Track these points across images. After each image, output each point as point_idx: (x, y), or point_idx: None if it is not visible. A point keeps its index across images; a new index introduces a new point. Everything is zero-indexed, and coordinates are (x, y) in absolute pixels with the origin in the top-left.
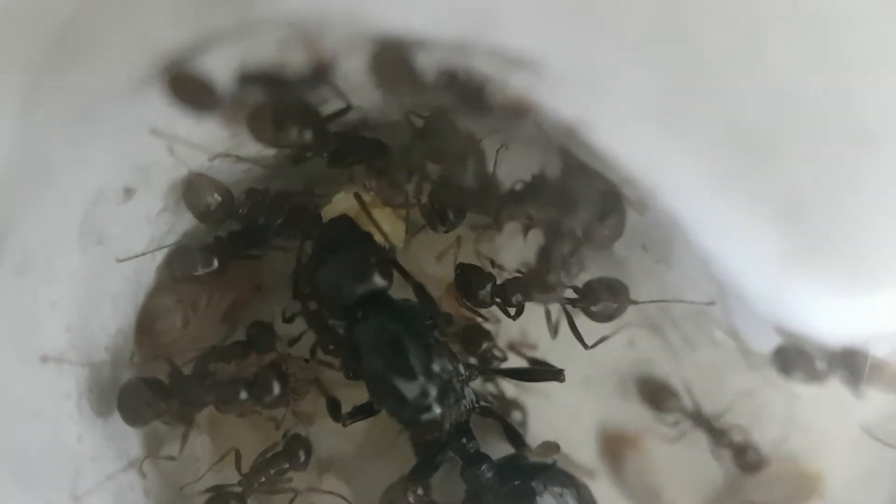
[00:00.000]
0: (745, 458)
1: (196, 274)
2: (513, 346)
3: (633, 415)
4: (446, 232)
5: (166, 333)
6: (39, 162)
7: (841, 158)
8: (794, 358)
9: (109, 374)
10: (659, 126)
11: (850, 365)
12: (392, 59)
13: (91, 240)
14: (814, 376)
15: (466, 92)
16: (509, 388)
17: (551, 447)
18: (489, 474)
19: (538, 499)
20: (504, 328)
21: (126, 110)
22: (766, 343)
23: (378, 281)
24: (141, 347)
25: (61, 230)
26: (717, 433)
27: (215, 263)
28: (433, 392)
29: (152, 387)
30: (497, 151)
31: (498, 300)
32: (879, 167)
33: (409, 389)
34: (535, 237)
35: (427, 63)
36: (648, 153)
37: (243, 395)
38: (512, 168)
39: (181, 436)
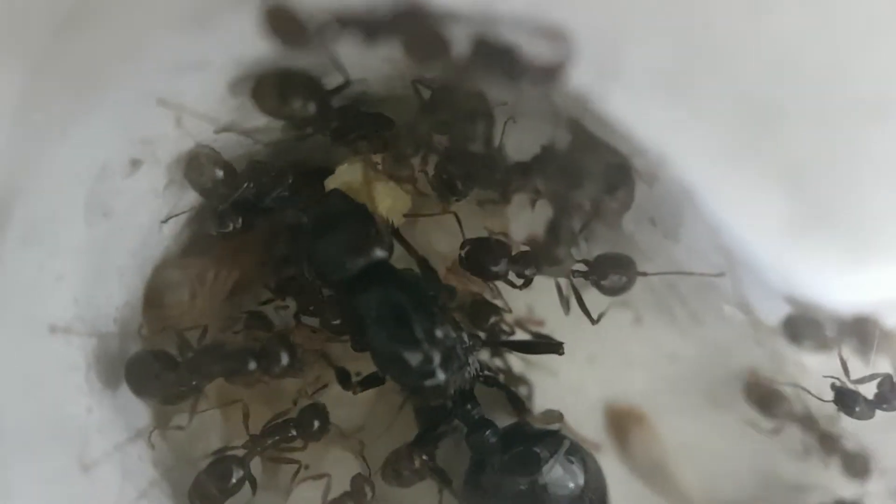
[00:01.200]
0: (855, 466)
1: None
2: (520, 322)
3: (640, 391)
4: (456, 201)
5: (174, 307)
6: (44, 132)
7: (848, 128)
8: (803, 326)
9: (118, 346)
10: (669, 97)
11: (860, 333)
12: (423, 32)
13: (97, 213)
14: (823, 344)
15: (496, 55)
16: (516, 363)
17: (554, 415)
18: (493, 440)
19: (542, 465)
20: (513, 302)
21: (132, 80)
22: (776, 314)
23: (376, 252)
24: (149, 320)
25: (67, 202)
26: (827, 440)
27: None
28: (437, 358)
29: (160, 359)
30: (504, 124)
31: (511, 273)
32: (886, 136)
33: (413, 356)
34: (544, 210)
35: (456, 33)
36: (659, 124)
37: (252, 365)
38: (520, 141)
39: (190, 407)
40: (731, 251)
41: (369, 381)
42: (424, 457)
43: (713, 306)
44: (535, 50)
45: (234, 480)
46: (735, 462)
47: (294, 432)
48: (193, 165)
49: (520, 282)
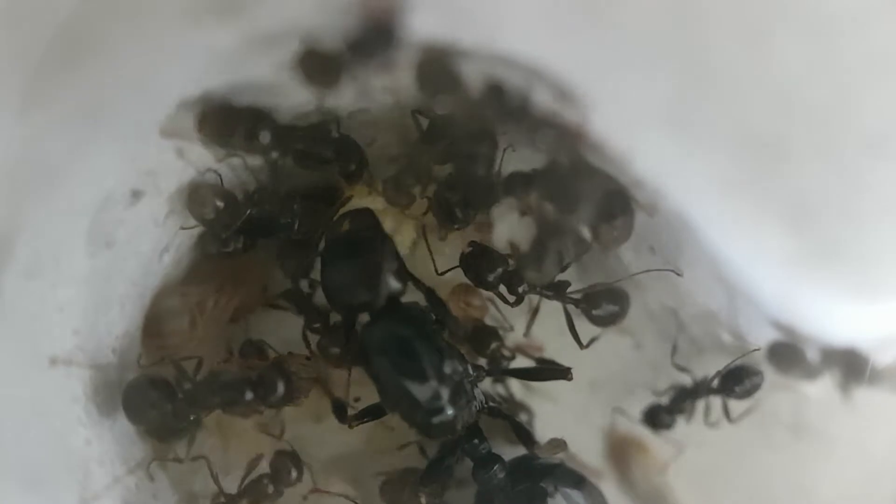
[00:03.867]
0: None
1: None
2: (520, 348)
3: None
4: (458, 229)
5: (173, 335)
6: (46, 164)
7: (851, 163)
8: (788, 354)
9: (117, 377)
10: (669, 130)
11: (846, 365)
12: (436, 66)
13: (99, 243)
14: (809, 373)
15: (510, 104)
16: (517, 390)
17: (559, 444)
18: (501, 475)
19: (549, 500)
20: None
21: (134, 111)
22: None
23: (394, 285)
24: (148, 349)
25: (69, 234)
26: None
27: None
28: (446, 394)
29: (157, 387)
30: (503, 151)
31: (503, 286)
32: (890, 172)
33: (422, 392)
34: (528, 220)
35: (470, 73)
36: (658, 157)
37: (248, 395)
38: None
39: (188, 438)
40: (730, 283)
41: (366, 414)
42: (429, 493)
43: (712, 334)
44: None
45: None
46: (736, 482)
47: (271, 487)
48: (194, 198)
49: (512, 298)
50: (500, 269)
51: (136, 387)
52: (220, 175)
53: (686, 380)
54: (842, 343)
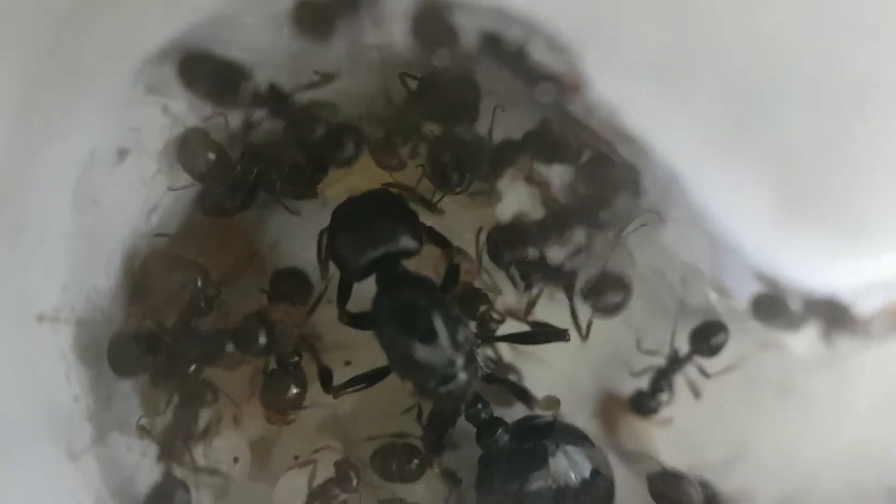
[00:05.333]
0: None
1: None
2: (510, 311)
3: (629, 380)
4: (457, 194)
5: (161, 296)
6: (33, 121)
7: (835, 113)
8: (771, 305)
9: (105, 335)
10: (659, 82)
11: (828, 315)
12: (433, 18)
13: (86, 201)
14: (791, 323)
15: (508, 56)
16: (506, 352)
17: (554, 401)
18: (505, 438)
19: (551, 458)
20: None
21: (117, 64)
22: (748, 295)
23: (407, 242)
24: (135, 309)
25: (56, 190)
26: None
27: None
28: (460, 361)
29: (140, 340)
30: (493, 112)
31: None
32: (874, 122)
33: (438, 359)
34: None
35: (466, 26)
36: (648, 110)
37: (229, 346)
38: (507, 130)
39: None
40: (715, 237)
41: (352, 384)
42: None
43: (700, 293)
44: (552, 61)
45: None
46: (722, 444)
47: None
48: (185, 149)
49: (521, 284)
50: (519, 251)
51: (119, 340)
52: (207, 132)
53: (659, 360)
54: (824, 292)
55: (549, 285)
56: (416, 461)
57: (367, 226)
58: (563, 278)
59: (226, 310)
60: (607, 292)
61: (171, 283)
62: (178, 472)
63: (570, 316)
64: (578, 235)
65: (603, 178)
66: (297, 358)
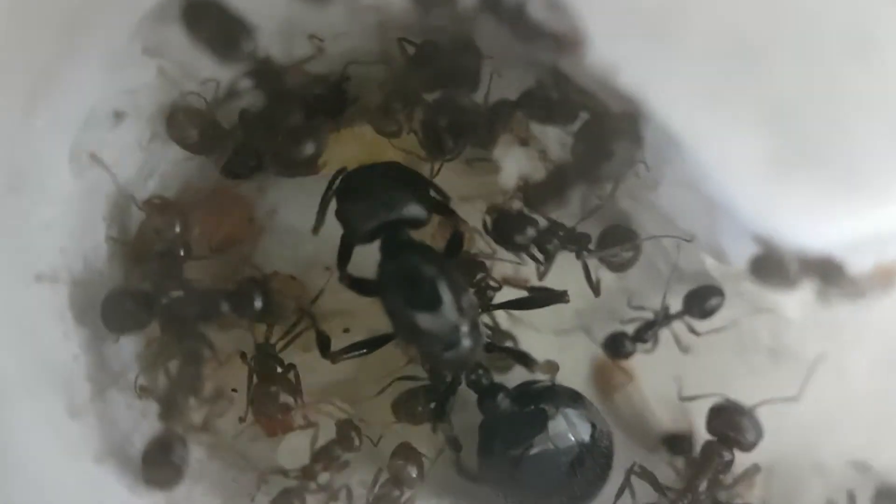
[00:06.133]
0: None
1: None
2: (507, 279)
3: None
4: (449, 160)
5: (140, 241)
6: (29, 75)
7: (833, 66)
8: (769, 265)
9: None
10: (653, 38)
11: (823, 273)
12: None
13: (83, 164)
14: (787, 282)
15: (507, 15)
16: (503, 320)
17: (553, 366)
18: (506, 403)
19: (550, 421)
20: (501, 265)
21: (117, 26)
22: (744, 256)
23: (418, 212)
24: (133, 270)
25: (52, 150)
26: None
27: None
28: (465, 327)
29: (135, 296)
30: (490, 77)
31: (534, 245)
32: (869, 73)
33: (444, 326)
34: (530, 153)
35: None
36: (643, 67)
37: (224, 307)
38: (504, 93)
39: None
40: (711, 197)
41: (350, 350)
42: (444, 425)
43: (695, 259)
44: (551, 19)
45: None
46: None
47: (338, 450)
48: (173, 122)
49: (541, 256)
50: (530, 230)
51: (113, 297)
52: (203, 97)
53: (647, 314)
54: (818, 250)
55: (565, 249)
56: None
57: (378, 191)
58: (578, 241)
59: (223, 273)
60: (618, 246)
61: (149, 227)
62: (178, 428)
63: (572, 275)
64: (578, 194)
65: (601, 132)
66: (279, 368)
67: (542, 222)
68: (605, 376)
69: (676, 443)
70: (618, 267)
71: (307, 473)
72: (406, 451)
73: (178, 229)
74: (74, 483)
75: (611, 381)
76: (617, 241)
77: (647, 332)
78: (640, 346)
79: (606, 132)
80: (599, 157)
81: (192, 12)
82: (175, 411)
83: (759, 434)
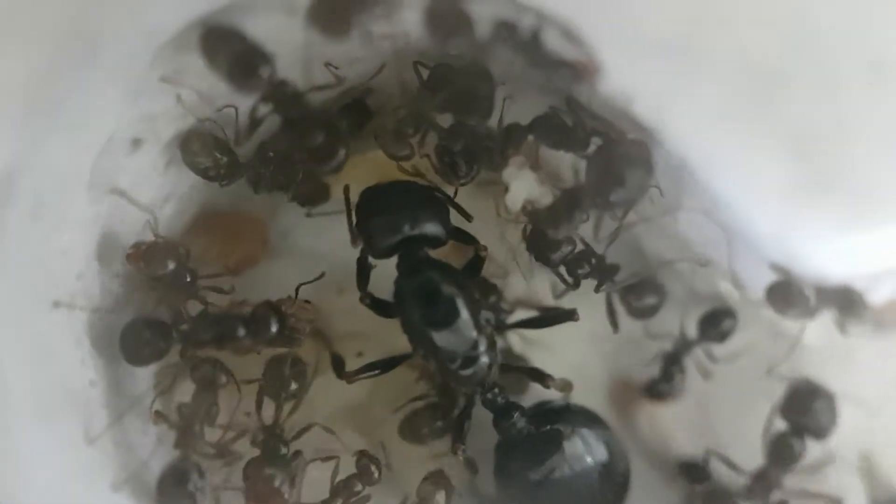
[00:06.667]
0: None
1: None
2: (520, 301)
3: (638, 366)
4: (462, 185)
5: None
6: (50, 103)
7: (853, 92)
8: (787, 294)
9: (119, 323)
10: (670, 62)
11: (842, 303)
12: (448, 8)
13: (101, 189)
14: (806, 311)
15: (523, 43)
16: (516, 343)
17: (567, 384)
18: (522, 422)
19: (566, 442)
20: (512, 288)
21: (136, 54)
22: (762, 285)
23: (438, 230)
24: (148, 296)
25: (72, 176)
26: None
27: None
28: (483, 344)
29: (152, 327)
30: (503, 102)
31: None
32: (888, 98)
33: (461, 342)
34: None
35: (480, 14)
36: (659, 92)
37: (241, 331)
38: (518, 119)
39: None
40: (727, 223)
41: (366, 370)
42: (463, 447)
43: (710, 283)
44: (567, 49)
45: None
46: (736, 432)
47: (359, 485)
48: (187, 148)
49: (570, 279)
50: (565, 249)
51: (131, 327)
52: (219, 124)
53: (666, 345)
54: (837, 279)
55: (594, 278)
56: (439, 422)
57: (400, 207)
58: (607, 271)
59: (240, 298)
60: (644, 295)
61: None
62: (194, 456)
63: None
64: (591, 219)
65: (614, 159)
66: (284, 450)
67: (579, 245)
68: (625, 398)
69: (693, 471)
70: (639, 314)
71: None
72: (437, 478)
73: (171, 265)
74: None
75: (629, 403)
76: (643, 292)
77: (672, 366)
78: (674, 382)
79: (619, 159)
80: (611, 183)
81: (210, 40)
82: (191, 438)
83: (834, 419)
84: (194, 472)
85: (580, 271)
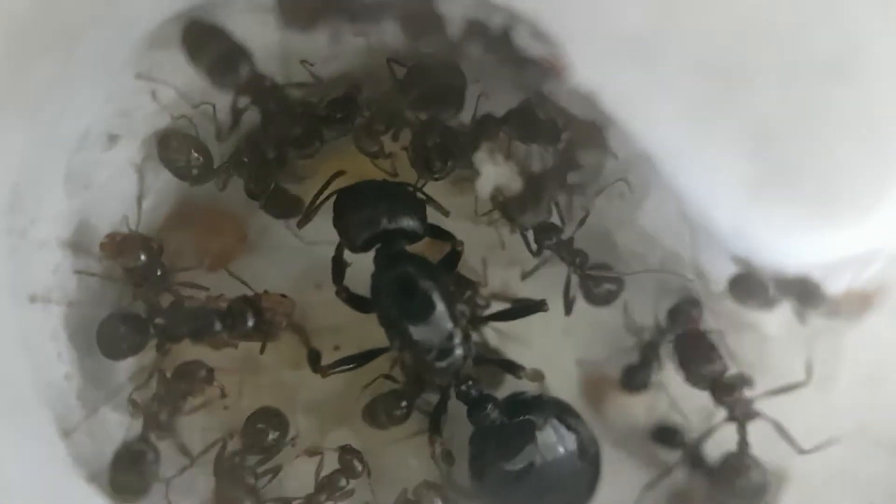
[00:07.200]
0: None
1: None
2: (494, 294)
3: (611, 359)
4: (437, 180)
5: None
6: (26, 96)
7: (810, 88)
8: (748, 286)
9: (95, 317)
10: (636, 62)
11: (800, 293)
12: (419, 7)
13: (78, 184)
14: (766, 303)
15: (494, 41)
16: (491, 337)
17: (539, 374)
18: (495, 414)
19: (538, 432)
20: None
21: (111, 50)
22: (724, 276)
23: (415, 225)
24: (124, 290)
25: (49, 170)
26: None
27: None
28: (458, 337)
29: (129, 321)
30: (477, 99)
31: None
32: (847, 96)
33: (437, 334)
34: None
35: (451, 14)
36: (625, 90)
37: (217, 325)
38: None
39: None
40: (692, 217)
41: (341, 364)
42: (440, 439)
43: (678, 276)
44: (535, 46)
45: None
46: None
47: (344, 480)
48: (164, 146)
49: (534, 247)
50: (535, 217)
51: (108, 322)
52: (193, 123)
53: (644, 335)
54: (796, 271)
55: (558, 254)
56: (403, 404)
57: (377, 202)
58: (572, 253)
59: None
60: (603, 283)
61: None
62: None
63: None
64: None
65: (569, 140)
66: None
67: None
68: (597, 390)
69: (667, 435)
70: (595, 300)
71: (311, 503)
72: (433, 484)
73: (143, 257)
74: (66, 501)
75: (603, 395)
76: (605, 281)
77: (650, 354)
78: (651, 371)
79: (572, 141)
80: (567, 166)
81: (192, 36)
82: (155, 424)
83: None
84: (151, 452)
85: (546, 241)
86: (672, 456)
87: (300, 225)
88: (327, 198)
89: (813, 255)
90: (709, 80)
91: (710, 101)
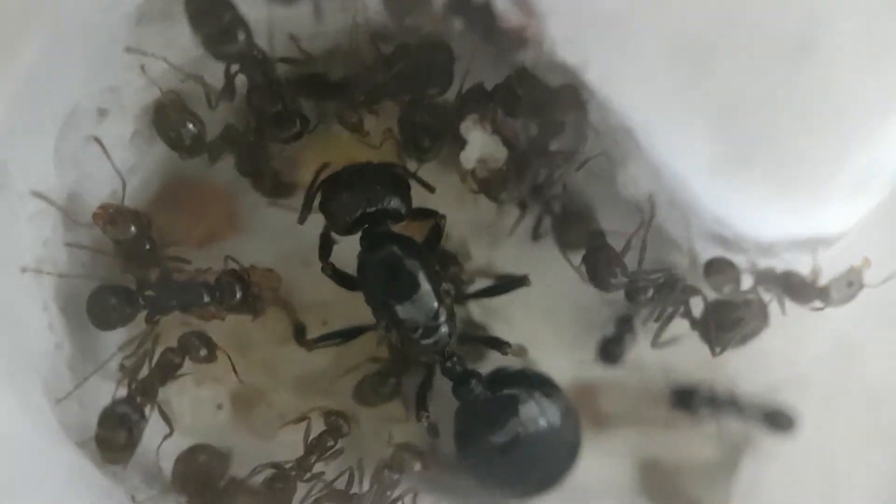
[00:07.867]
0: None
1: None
2: (479, 271)
3: (592, 335)
4: (425, 161)
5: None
6: (14, 71)
7: (773, 71)
8: (722, 271)
9: (86, 288)
10: (614, 38)
11: (787, 287)
12: None
13: (66, 159)
14: (737, 286)
15: (475, 13)
16: (475, 312)
17: (523, 349)
18: (479, 389)
19: (521, 406)
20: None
21: (98, 23)
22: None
23: (398, 205)
24: (115, 262)
25: (37, 145)
26: None
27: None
28: (443, 315)
29: (118, 293)
30: (464, 76)
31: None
32: (810, 75)
33: (422, 312)
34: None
35: None
36: (606, 67)
37: (206, 298)
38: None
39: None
40: (671, 195)
41: (326, 339)
42: (426, 414)
43: (666, 255)
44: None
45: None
46: None
47: (331, 440)
48: (160, 115)
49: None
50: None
51: (98, 293)
52: (181, 97)
53: (620, 309)
54: (762, 247)
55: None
56: (390, 381)
57: (361, 184)
58: (548, 203)
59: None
60: (574, 223)
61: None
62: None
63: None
64: (538, 172)
65: (549, 107)
66: None
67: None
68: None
69: (686, 398)
70: (568, 245)
71: (302, 465)
72: (409, 446)
73: (133, 230)
74: (57, 468)
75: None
76: (575, 222)
77: (624, 326)
78: (625, 343)
79: (550, 107)
80: (551, 132)
81: (197, 4)
82: (141, 390)
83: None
84: (137, 414)
85: (539, 198)
86: None
87: (300, 221)
88: (318, 189)
89: (774, 234)
90: (678, 58)
91: (679, 79)
